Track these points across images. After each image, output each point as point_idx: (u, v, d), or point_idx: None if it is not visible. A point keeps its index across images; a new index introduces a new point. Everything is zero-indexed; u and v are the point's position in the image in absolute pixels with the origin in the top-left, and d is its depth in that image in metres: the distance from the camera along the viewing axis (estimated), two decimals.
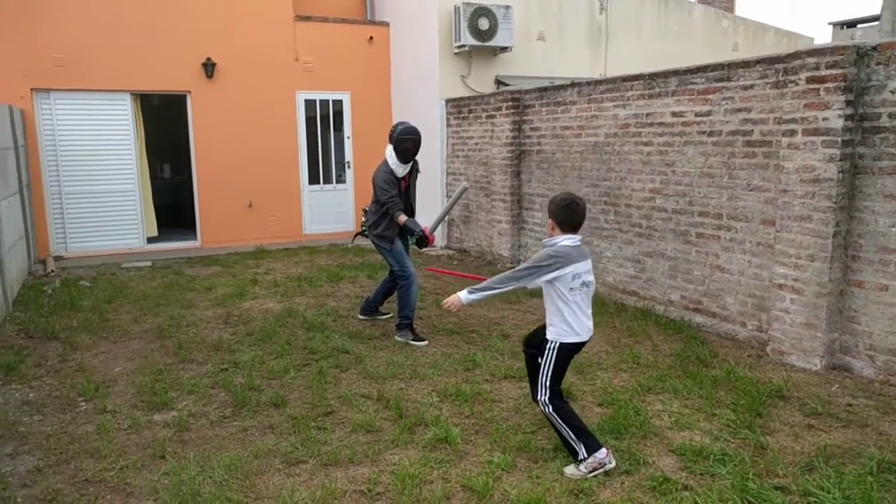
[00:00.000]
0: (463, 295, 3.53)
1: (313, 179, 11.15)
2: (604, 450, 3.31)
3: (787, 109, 4.77)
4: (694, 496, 3.05)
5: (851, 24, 27.01)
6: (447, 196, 9.98)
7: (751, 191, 5.22)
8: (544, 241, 3.49)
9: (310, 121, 10.99)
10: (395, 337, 5.58)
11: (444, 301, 3.65)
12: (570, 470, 3.32)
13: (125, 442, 3.75)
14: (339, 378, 4.74)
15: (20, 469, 3.46)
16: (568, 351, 3.42)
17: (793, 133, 4.72)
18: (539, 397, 3.44)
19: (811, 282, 4.65)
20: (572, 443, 3.33)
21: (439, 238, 10.24)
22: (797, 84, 4.69)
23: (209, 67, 9.96)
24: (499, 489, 3.18)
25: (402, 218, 5.41)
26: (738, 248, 5.36)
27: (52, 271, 8.51)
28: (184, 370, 4.94)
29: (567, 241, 3.35)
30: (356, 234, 11.17)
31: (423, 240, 5.46)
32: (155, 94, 10.50)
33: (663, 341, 5.39)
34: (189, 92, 10.04)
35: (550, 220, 3.44)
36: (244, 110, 10.33)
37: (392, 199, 5.42)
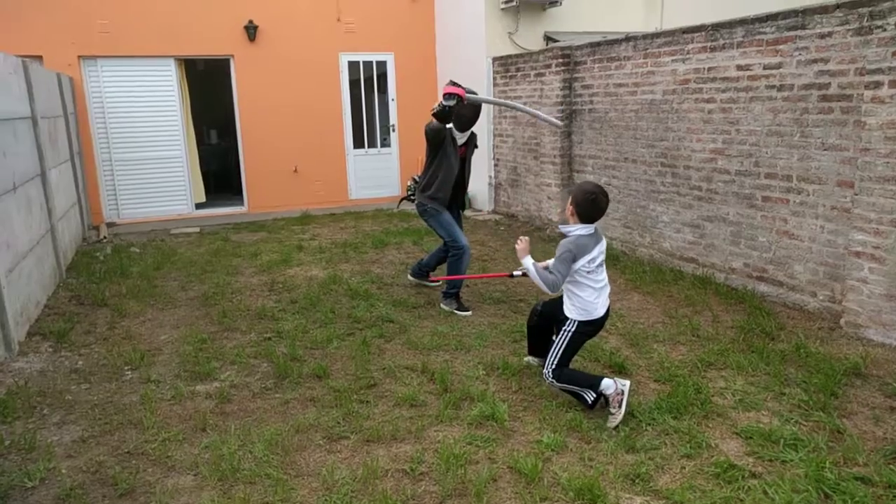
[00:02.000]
0: (527, 260, 3.66)
1: (358, 143, 10.99)
2: (607, 381, 3.44)
3: (872, 59, 4.30)
4: (763, 485, 2.81)
5: None
6: (494, 160, 9.67)
7: (826, 150, 4.78)
8: (560, 226, 3.62)
9: (353, 83, 10.78)
10: (441, 305, 5.42)
11: (518, 245, 3.78)
12: (611, 421, 3.40)
13: (168, 413, 3.72)
14: (383, 349, 4.61)
15: (66, 439, 3.45)
16: (585, 330, 3.58)
17: (878, 85, 4.26)
18: (546, 368, 3.59)
19: (894, 249, 4.23)
20: (582, 395, 3.52)
21: (486, 203, 9.98)
22: (884, 30, 4.21)
23: (251, 30, 9.81)
24: (548, 472, 3.01)
25: (435, 106, 4.92)
26: (809, 213, 4.95)
27: (105, 238, 8.65)
28: (227, 339, 4.90)
29: (582, 230, 3.48)
30: (402, 199, 11.01)
31: (452, 95, 4.79)
32: (199, 58, 10.44)
33: (724, 312, 5.06)
34: (232, 56, 9.94)
35: (570, 206, 3.50)
36: (287, 73, 10.18)
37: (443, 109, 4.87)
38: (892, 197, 4.22)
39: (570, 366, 3.63)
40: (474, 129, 5.41)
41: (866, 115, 4.35)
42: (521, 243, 3.72)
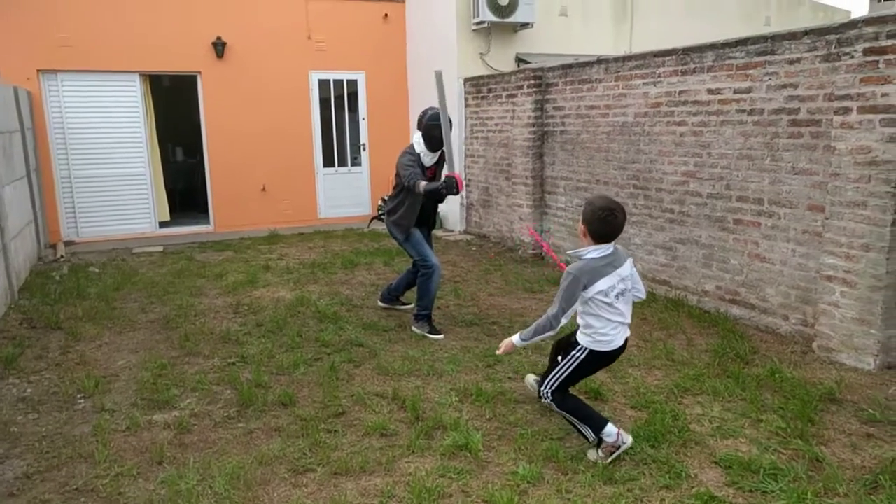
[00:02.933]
0: (516, 339, 3.26)
1: (328, 162, 10.85)
2: (611, 428, 3.17)
3: (841, 85, 4.35)
4: None
5: None
6: (465, 180, 9.62)
7: (796, 174, 4.82)
8: (570, 252, 3.26)
9: (324, 102, 10.66)
10: (412, 328, 5.29)
11: (499, 347, 3.40)
12: (591, 455, 3.25)
13: (122, 445, 3.50)
14: (352, 374, 4.45)
15: (8, 475, 3.22)
16: (596, 359, 3.22)
17: (847, 111, 4.30)
18: (543, 388, 3.30)
19: (865, 273, 4.25)
20: (579, 428, 3.28)
21: (457, 223, 9.91)
22: (852, 56, 4.26)
23: (219, 47, 9.65)
24: None
25: (423, 184, 4.91)
26: (780, 236, 4.96)
27: (62, 257, 8.32)
28: (189, 364, 4.69)
29: (594, 253, 3.06)
30: (372, 219, 10.88)
31: (452, 183, 4.77)
32: (164, 74, 10.22)
33: (698, 335, 5.03)
34: (199, 72, 9.75)
35: (582, 226, 3.10)
36: (256, 91, 10.03)
37: (414, 173, 4.98)
38: (863, 221, 4.25)
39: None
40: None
41: (836, 140, 4.38)
42: (502, 347, 3.37)
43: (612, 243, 3.08)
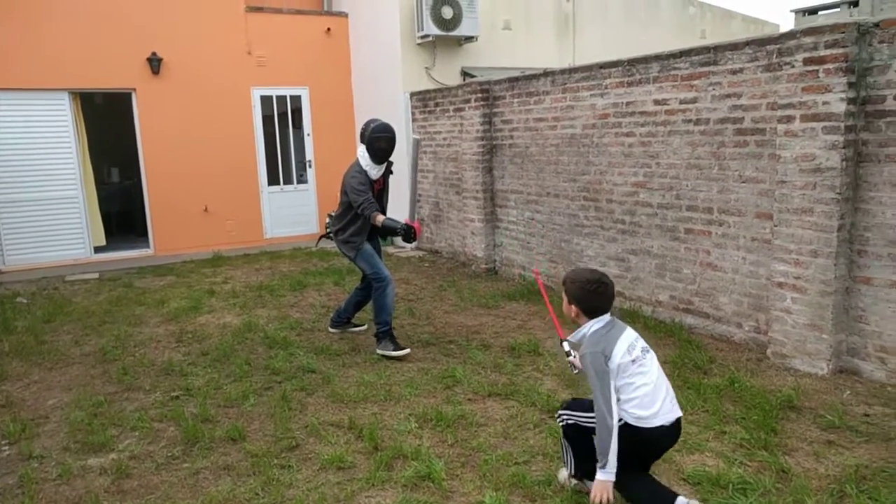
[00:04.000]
0: (600, 475, 2.60)
1: (273, 180, 10.55)
2: (681, 500, 2.60)
3: (783, 94, 4.42)
4: None
5: (813, 12, 27.33)
6: (417, 195, 9.48)
7: (743, 182, 4.88)
8: (569, 337, 2.90)
9: (267, 118, 10.39)
10: (377, 350, 5.07)
11: (592, 498, 2.64)
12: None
13: (52, 496, 3.20)
14: (305, 403, 4.24)
15: None
16: (635, 435, 2.64)
17: (790, 119, 4.38)
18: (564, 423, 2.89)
19: (814, 279, 4.31)
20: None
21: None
22: (793, 66, 4.34)
23: (154, 63, 9.28)
24: None
25: (380, 218, 4.89)
26: (730, 245, 5.01)
27: None
28: (128, 400, 4.38)
29: (596, 325, 2.75)
30: (321, 237, 10.63)
31: (410, 232, 4.83)
32: (96, 92, 9.77)
33: (655, 346, 4.92)
34: (134, 90, 9.35)
35: (572, 307, 2.80)
36: (195, 108, 9.68)
37: (368, 200, 4.90)
38: (810, 228, 4.31)
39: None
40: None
41: (780, 148, 4.45)
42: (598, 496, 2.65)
43: (608, 314, 2.79)
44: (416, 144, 5.12)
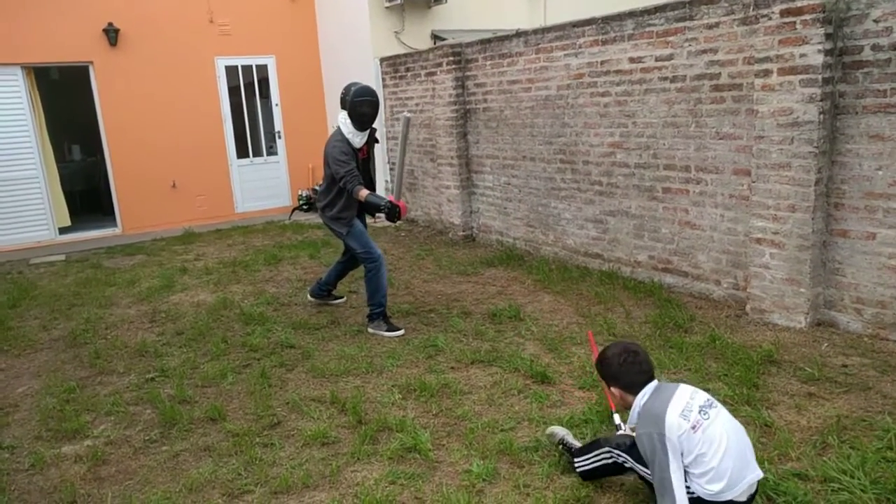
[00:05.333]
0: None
1: (242, 153, 10.29)
2: None
3: (760, 48, 4.35)
4: None
5: None
6: (389, 164, 9.33)
7: (720, 139, 4.83)
8: (626, 425, 2.73)
9: (233, 90, 10.07)
10: (368, 329, 4.92)
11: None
12: None
13: (26, 486, 3.10)
14: (285, 379, 4.16)
15: None
16: None
17: (767, 73, 4.32)
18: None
19: (792, 234, 4.31)
20: None
21: None
22: (770, 18, 4.27)
23: (112, 34, 8.89)
24: None
25: (364, 193, 4.62)
26: (708, 202, 4.99)
27: None
28: (101, 385, 4.26)
29: (643, 398, 2.50)
30: (293, 210, 10.46)
31: (395, 211, 4.61)
32: (51, 66, 9.36)
33: (635, 306, 5.01)
34: (91, 63, 8.96)
35: (613, 390, 2.62)
36: (157, 81, 9.34)
37: (351, 173, 4.62)
38: (788, 183, 4.30)
39: None
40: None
41: (758, 103, 4.40)
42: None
43: (654, 380, 2.56)
44: (407, 122, 4.75)
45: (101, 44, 8.92)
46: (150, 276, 6.93)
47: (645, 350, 2.64)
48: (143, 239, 9.06)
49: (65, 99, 10.71)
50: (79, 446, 3.45)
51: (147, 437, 3.52)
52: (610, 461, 2.66)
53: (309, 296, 5.64)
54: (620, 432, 2.82)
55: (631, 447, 2.56)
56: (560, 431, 3.04)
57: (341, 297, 5.64)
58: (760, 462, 2.78)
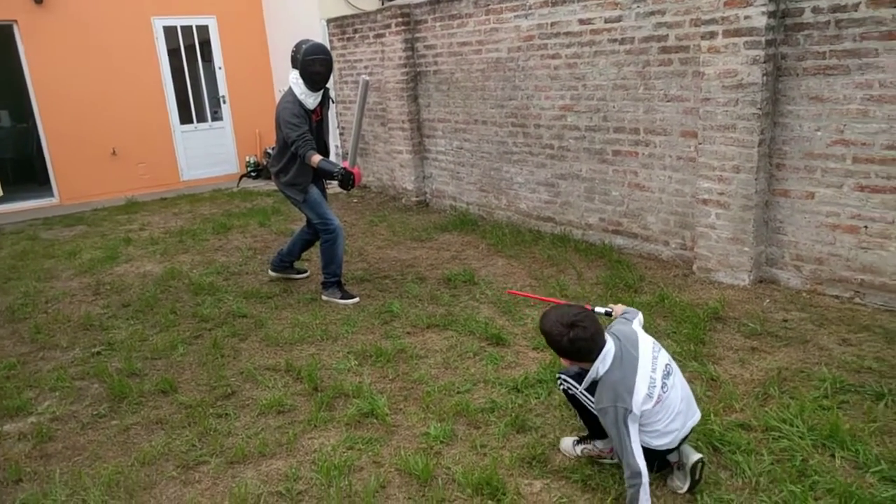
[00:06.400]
0: None
1: (185, 119, 9.91)
2: None
3: (706, 9, 4.39)
4: None
5: None
6: (339, 128, 9.15)
7: (668, 101, 4.90)
8: (583, 387, 2.55)
9: (173, 52, 9.64)
10: (322, 297, 4.84)
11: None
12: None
13: None
14: (238, 349, 4.10)
15: None
16: (654, 453, 2.46)
17: (713, 35, 4.37)
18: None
19: (737, 194, 4.43)
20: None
21: None
22: None
23: None
24: (441, 468, 2.76)
25: (316, 158, 4.44)
26: (657, 164, 5.08)
27: None
28: (44, 360, 4.11)
29: (601, 366, 2.39)
30: (241, 177, 10.18)
31: (349, 178, 4.46)
32: None
33: (587, 268, 5.10)
34: (15, 21, 8.41)
35: (564, 360, 2.51)
36: (90, 42, 8.84)
37: (303, 137, 4.43)
38: (732, 144, 4.40)
39: None
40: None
41: (704, 65, 4.46)
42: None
43: (608, 338, 2.43)
44: (366, 85, 4.52)
45: (24, 1, 8.37)
46: (93, 248, 6.68)
47: (589, 313, 2.44)
48: (82, 209, 8.69)
49: None
50: (22, 424, 3.34)
51: (95, 412, 3.42)
52: (568, 393, 2.64)
53: (270, 270, 5.37)
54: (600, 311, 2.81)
55: (572, 373, 2.59)
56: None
57: (305, 272, 5.39)
58: (707, 415, 2.91)
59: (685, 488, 2.49)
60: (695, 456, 2.46)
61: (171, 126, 9.75)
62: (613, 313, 2.81)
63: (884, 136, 3.82)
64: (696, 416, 2.54)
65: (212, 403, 3.43)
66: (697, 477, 2.47)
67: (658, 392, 2.38)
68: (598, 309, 2.83)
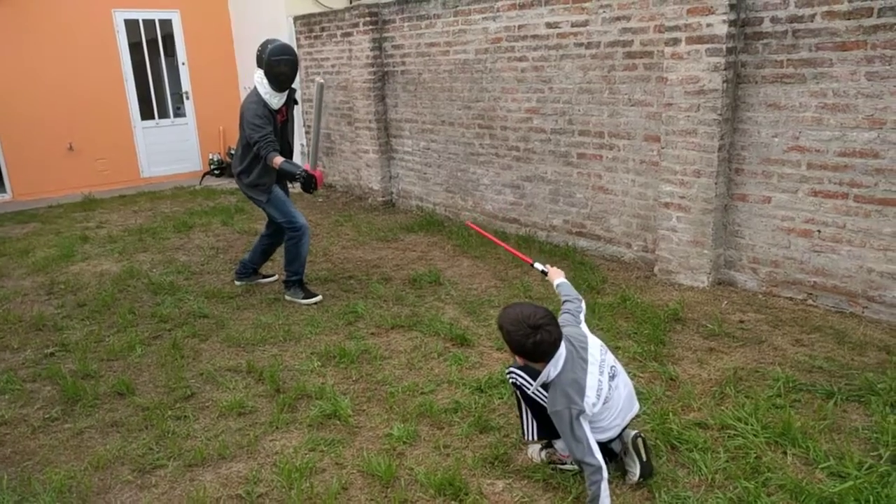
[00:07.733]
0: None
1: (146, 115, 9.69)
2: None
3: (670, 16, 4.47)
4: None
5: None
6: (305, 127, 9.06)
7: (632, 106, 4.97)
8: (536, 387, 2.52)
9: (134, 46, 9.42)
10: (285, 297, 4.79)
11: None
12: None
13: None
14: (199, 350, 4.02)
15: None
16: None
17: (676, 42, 4.45)
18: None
19: (697, 198, 4.53)
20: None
21: None
22: None
23: None
24: (404, 469, 2.75)
25: (279, 160, 4.37)
26: (620, 168, 5.15)
27: None
28: None
29: (553, 370, 2.41)
30: (204, 175, 10.00)
31: (310, 181, 4.45)
32: None
33: None
34: None
35: (518, 358, 2.51)
36: (47, 35, 8.59)
37: (265, 138, 4.36)
38: (694, 149, 4.49)
39: None
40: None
41: (667, 71, 4.55)
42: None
43: (561, 344, 2.43)
44: (321, 88, 4.49)
45: None
46: (47, 245, 6.49)
47: (552, 316, 2.42)
48: (36, 206, 8.44)
49: None
50: None
51: (47, 416, 3.32)
52: (516, 385, 2.59)
53: (235, 281, 5.21)
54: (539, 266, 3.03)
55: (523, 367, 2.55)
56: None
57: (272, 276, 5.26)
58: (665, 414, 2.96)
59: (637, 471, 2.55)
60: (631, 433, 2.57)
61: (132, 121, 9.53)
62: (549, 276, 2.99)
63: (836, 144, 3.95)
64: (636, 408, 2.65)
65: (170, 405, 3.36)
66: (644, 455, 2.54)
67: (605, 394, 2.47)
68: (538, 265, 3.08)
